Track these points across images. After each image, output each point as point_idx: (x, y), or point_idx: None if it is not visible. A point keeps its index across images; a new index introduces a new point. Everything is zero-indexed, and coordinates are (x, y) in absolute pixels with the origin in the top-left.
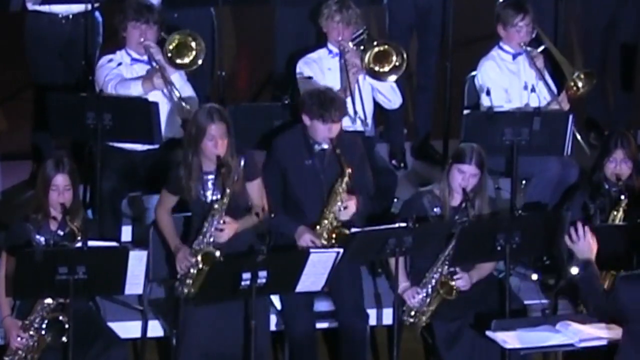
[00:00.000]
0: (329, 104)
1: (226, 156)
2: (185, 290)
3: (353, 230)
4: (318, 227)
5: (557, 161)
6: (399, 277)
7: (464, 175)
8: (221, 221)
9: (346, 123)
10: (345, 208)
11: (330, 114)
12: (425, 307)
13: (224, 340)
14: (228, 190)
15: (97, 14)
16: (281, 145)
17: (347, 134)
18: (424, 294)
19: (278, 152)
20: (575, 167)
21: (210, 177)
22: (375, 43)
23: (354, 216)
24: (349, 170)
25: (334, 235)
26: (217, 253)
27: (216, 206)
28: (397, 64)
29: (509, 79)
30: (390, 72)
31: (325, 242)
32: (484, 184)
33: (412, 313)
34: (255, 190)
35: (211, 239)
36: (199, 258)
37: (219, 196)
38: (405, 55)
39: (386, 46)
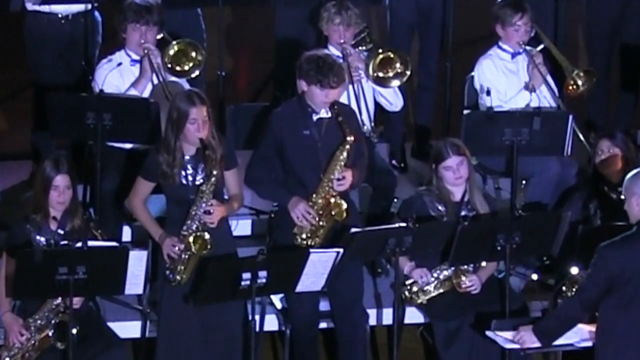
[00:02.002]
0: (327, 69)
1: (208, 138)
2: (178, 278)
3: (353, 230)
4: (314, 195)
5: (556, 161)
6: (403, 261)
7: (453, 169)
8: (209, 203)
9: None
10: (341, 179)
11: (329, 79)
12: (427, 286)
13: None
14: (215, 172)
15: (96, 13)
16: (279, 116)
17: (344, 105)
18: (431, 279)
19: (275, 123)
20: (575, 166)
21: (191, 161)
22: (380, 50)
23: (350, 189)
24: (351, 138)
25: (329, 204)
26: (207, 236)
27: (204, 188)
28: (399, 70)
29: (506, 79)
30: (393, 77)
31: (321, 213)
32: (472, 170)
33: (414, 288)
34: (233, 179)
35: (199, 223)
36: (191, 240)
37: (202, 180)
38: (409, 63)
39: (390, 53)
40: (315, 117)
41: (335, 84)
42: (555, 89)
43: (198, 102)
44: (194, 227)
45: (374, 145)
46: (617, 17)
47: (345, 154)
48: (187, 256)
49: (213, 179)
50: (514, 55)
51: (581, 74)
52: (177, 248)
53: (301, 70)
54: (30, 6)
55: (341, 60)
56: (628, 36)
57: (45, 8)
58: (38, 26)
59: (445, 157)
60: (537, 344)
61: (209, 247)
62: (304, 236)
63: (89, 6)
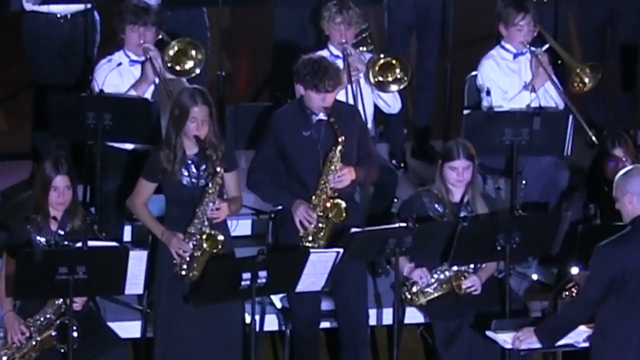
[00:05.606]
0: (322, 73)
1: (209, 137)
2: (191, 274)
3: (353, 230)
4: (314, 197)
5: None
6: (403, 262)
7: (458, 171)
8: (216, 202)
9: None
10: (340, 177)
11: (324, 83)
12: (426, 288)
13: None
14: (219, 169)
15: (95, 13)
16: (279, 118)
17: (345, 104)
18: (431, 280)
19: (276, 124)
20: (566, 170)
21: (193, 160)
22: (382, 55)
23: (351, 186)
24: (342, 138)
25: (328, 205)
26: (221, 237)
27: (210, 186)
28: (399, 76)
29: (509, 79)
30: (392, 83)
31: (321, 214)
32: (476, 174)
33: (414, 289)
34: (232, 181)
35: (205, 222)
36: (204, 238)
37: (203, 180)
38: (409, 70)
39: (392, 59)
40: (314, 119)
41: (332, 88)
42: (561, 89)
43: (200, 102)
44: (199, 226)
45: (375, 144)
46: (609, 13)
47: (338, 154)
48: (198, 253)
49: (219, 178)
50: (516, 56)
51: (587, 70)
52: (184, 246)
53: (298, 75)
54: (29, 6)
55: (341, 60)
56: (626, 34)
57: (44, 8)
58: (36, 26)
59: (454, 157)
60: (538, 345)
61: (220, 247)
62: (310, 239)
63: (89, 6)
